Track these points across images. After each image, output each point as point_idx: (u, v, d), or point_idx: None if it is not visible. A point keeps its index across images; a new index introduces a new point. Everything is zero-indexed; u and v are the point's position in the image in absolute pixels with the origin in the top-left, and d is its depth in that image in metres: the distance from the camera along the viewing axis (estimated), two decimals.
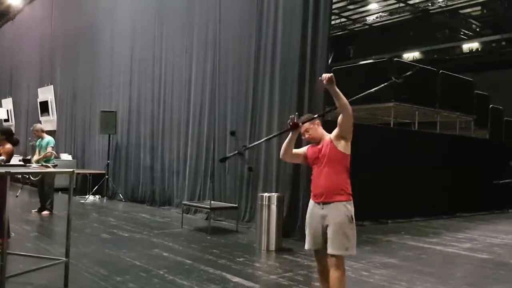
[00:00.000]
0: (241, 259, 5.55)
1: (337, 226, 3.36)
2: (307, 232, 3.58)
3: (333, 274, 3.39)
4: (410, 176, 9.26)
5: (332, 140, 3.46)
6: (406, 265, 5.58)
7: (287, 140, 3.63)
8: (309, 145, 3.67)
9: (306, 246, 3.59)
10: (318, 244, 3.50)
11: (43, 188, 8.54)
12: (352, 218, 3.42)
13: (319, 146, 3.53)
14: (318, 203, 3.47)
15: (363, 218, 8.76)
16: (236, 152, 4.11)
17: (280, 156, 3.72)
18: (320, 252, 3.53)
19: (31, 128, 8.92)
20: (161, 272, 4.77)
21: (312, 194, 3.55)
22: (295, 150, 3.68)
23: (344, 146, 3.46)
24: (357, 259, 5.72)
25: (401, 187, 9.03)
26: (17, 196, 10.67)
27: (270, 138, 3.47)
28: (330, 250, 3.37)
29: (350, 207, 3.43)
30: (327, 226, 3.40)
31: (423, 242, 7.16)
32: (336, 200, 3.40)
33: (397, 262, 5.74)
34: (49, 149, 8.29)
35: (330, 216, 3.39)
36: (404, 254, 6.23)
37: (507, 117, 14.23)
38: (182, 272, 4.82)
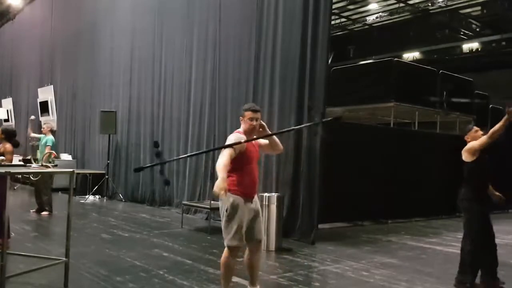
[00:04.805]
0: (241, 259, 5.53)
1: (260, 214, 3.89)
2: (238, 228, 3.69)
3: (258, 257, 4.01)
4: (410, 176, 9.25)
5: (261, 145, 3.85)
6: (406, 265, 5.59)
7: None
8: (240, 138, 3.71)
9: (238, 243, 3.73)
10: (244, 237, 3.78)
11: (38, 188, 8.57)
12: None
13: (253, 144, 3.78)
14: (250, 199, 3.76)
15: (363, 218, 8.79)
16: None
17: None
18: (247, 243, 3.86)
19: (43, 123, 9.03)
20: (161, 272, 4.78)
21: (244, 191, 3.70)
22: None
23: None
24: (357, 259, 5.73)
25: (401, 187, 9.03)
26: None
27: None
28: (260, 236, 3.88)
29: None
30: (254, 218, 3.79)
31: (423, 242, 7.17)
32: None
33: (397, 262, 5.74)
34: (47, 149, 8.35)
35: (257, 208, 3.84)
36: (404, 254, 6.23)
37: None
38: (182, 272, 4.82)
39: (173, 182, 9.91)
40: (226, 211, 3.67)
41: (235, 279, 4.65)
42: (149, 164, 3.20)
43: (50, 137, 8.68)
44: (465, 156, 4.61)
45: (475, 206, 4.57)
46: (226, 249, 3.78)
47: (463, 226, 4.70)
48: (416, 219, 9.52)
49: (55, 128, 9.58)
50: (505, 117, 4.43)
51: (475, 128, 4.79)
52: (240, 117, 3.89)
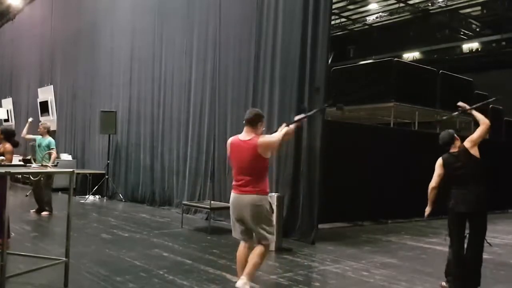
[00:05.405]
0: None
1: None
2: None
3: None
4: (410, 176, 9.24)
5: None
6: (406, 265, 5.59)
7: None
8: None
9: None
10: None
11: (38, 188, 8.50)
12: None
13: None
14: None
15: (363, 218, 8.79)
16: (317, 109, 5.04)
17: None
18: None
19: (40, 123, 8.91)
20: (161, 272, 4.78)
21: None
22: None
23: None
24: (357, 259, 5.73)
25: (401, 187, 9.01)
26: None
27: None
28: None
29: None
30: None
31: (423, 242, 7.17)
32: None
33: (397, 262, 5.74)
34: (54, 152, 8.15)
35: None
36: (404, 254, 6.24)
37: (507, 117, 14.21)
38: (182, 272, 4.82)
39: (173, 182, 9.92)
40: (271, 210, 3.98)
41: (235, 279, 4.65)
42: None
43: (52, 140, 8.52)
44: (475, 151, 4.55)
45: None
46: (262, 247, 4.01)
47: (479, 230, 4.49)
48: (416, 219, 9.51)
49: (51, 128, 9.42)
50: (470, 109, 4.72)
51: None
52: (262, 121, 4.33)
